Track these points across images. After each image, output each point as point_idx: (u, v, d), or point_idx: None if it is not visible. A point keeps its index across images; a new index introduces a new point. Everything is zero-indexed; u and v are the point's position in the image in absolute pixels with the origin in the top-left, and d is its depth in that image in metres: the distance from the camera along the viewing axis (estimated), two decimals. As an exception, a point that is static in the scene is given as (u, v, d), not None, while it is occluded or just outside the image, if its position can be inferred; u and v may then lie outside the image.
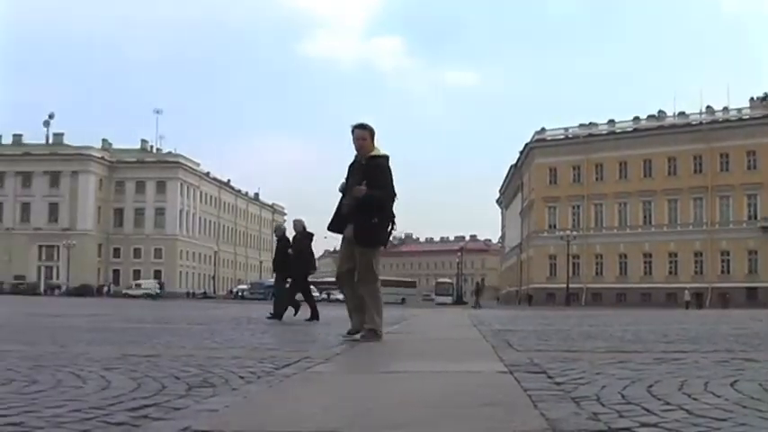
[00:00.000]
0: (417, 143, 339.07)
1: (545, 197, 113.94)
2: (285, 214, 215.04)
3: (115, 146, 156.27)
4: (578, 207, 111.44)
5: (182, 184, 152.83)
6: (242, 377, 6.07)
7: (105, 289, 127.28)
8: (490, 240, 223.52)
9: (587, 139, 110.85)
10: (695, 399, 4.79)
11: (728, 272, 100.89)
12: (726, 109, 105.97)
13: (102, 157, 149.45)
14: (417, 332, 15.94)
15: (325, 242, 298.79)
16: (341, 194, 11.63)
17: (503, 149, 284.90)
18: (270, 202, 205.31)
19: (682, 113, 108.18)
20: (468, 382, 6.22)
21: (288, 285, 21.24)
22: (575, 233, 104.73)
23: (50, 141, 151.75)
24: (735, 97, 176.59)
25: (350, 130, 11.31)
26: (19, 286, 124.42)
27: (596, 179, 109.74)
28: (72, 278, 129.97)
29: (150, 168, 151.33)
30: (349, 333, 11.55)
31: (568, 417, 4.12)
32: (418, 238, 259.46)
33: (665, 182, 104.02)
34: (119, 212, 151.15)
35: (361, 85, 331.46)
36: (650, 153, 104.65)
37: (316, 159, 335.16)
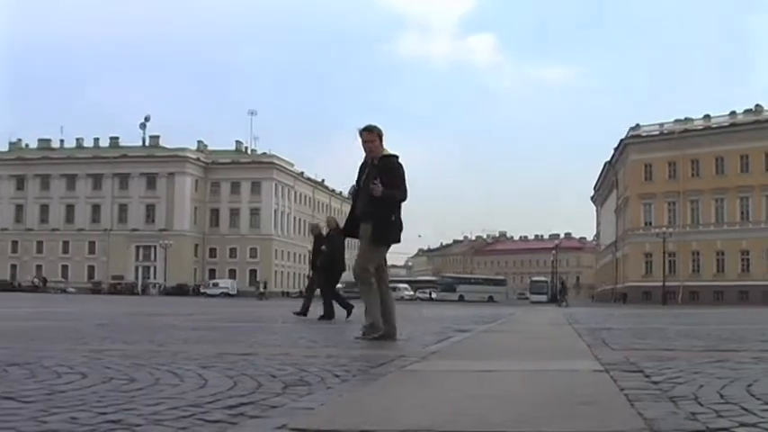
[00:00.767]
0: (511, 140, 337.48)
1: (640, 194, 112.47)
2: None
3: (210, 147, 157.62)
4: (674, 204, 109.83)
5: (276, 185, 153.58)
6: (337, 375, 6.09)
7: (201, 288, 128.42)
8: (585, 238, 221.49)
9: (683, 135, 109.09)
10: (796, 398, 4.71)
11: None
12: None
13: (198, 159, 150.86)
14: (513, 330, 15.87)
15: (420, 241, 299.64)
16: (352, 199, 11.76)
17: (597, 146, 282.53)
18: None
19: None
20: (564, 380, 6.18)
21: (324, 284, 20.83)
22: (670, 230, 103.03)
23: (147, 143, 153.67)
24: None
25: (357, 133, 11.32)
26: (117, 286, 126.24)
27: (692, 175, 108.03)
28: (168, 278, 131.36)
29: (245, 169, 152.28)
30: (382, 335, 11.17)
31: (666, 416, 4.07)
32: (512, 237, 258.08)
33: (762, 177, 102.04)
34: (214, 213, 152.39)
35: (453, 84, 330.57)
36: (747, 148, 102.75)
37: (408, 158, 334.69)
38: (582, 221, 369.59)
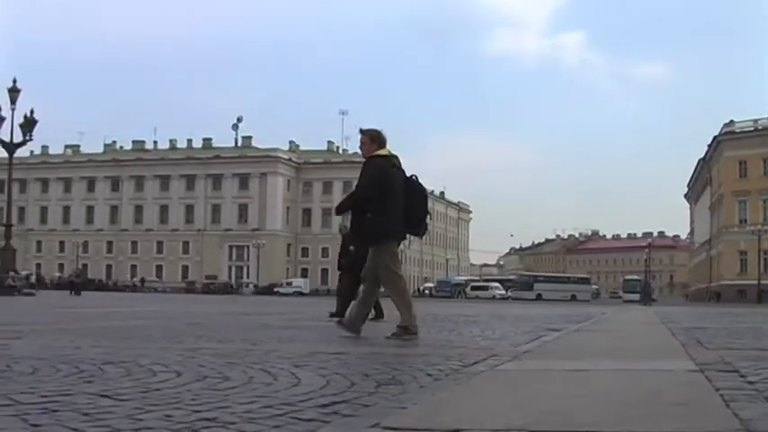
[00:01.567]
0: (603, 138, 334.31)
1: (734, 191, 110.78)
2: (470, 212, 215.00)
3: (302, 147, 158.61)
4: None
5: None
6: (430, 374, 6.09)
7: (275, 288, 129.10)
8: (678, 236, 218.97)
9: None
10: None
11: None
12: None
13: (290, 159, 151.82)
14: (605, 330, 15.73)
15: (511, 240, 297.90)
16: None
17: (690, 143, 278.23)
18: (455, 201, 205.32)
19: None
20: (658, 380, 6.11)
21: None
22: (766, 228, 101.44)
23: (239, 144, 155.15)
24: None
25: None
26: (210, 286, 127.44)
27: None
28: (261, 277, 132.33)
29: (336, 169, 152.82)
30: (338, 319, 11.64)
31: (761, 417, 4.01)
32: (605, 235, 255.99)
33: None
34: (306, 212, 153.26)
35: (544, 82, 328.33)
36: None
37: (501, 157, 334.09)
38: (675, 219, 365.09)
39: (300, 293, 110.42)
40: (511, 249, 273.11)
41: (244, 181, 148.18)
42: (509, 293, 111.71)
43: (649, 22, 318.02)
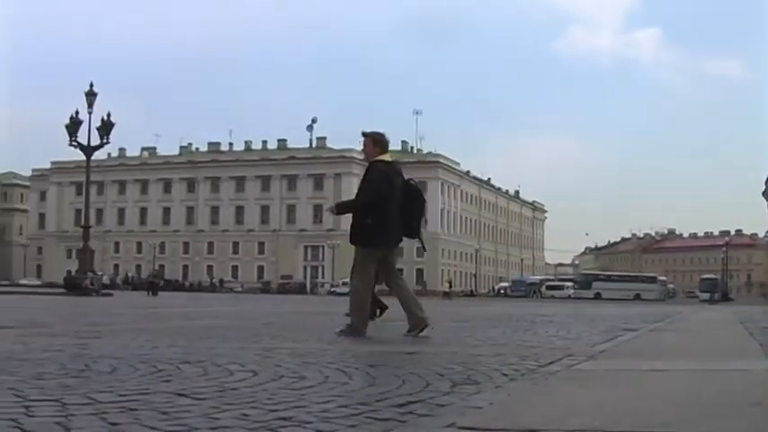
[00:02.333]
0: (678, 136, 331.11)
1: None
2: (545, 211, 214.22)
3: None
4: None
5: (442, 184, 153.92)
6: (505, 374, 6.07)
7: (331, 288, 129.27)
8: (756, 234, 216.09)
9: None
10: None
11: None
12: None
13: (364, 159, 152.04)
14: (682, 329, 15.60)
15: (587, 239, 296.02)
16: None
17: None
18: (530, 200, 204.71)
19: None
20: (735, 381, 6.05)
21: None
22: None
23: (314, 145, 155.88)
24: None
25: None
26: (285, 286, 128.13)
27: None
28: (336, 277, 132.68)
29: (411, 169, 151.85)
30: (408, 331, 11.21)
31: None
32: (681, 234, 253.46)
33: None
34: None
35: (618, 80, 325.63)
36: None
37: (575, 156, 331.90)
38: (753, 217, 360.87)
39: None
40: (586, 249, 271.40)
41: (318, 181, 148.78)
42: (570, 293, 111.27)
43: (723, 17, 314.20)
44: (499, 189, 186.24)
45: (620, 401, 4.76)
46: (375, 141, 11.74)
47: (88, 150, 47.78)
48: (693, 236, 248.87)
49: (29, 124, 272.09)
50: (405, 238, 11.81)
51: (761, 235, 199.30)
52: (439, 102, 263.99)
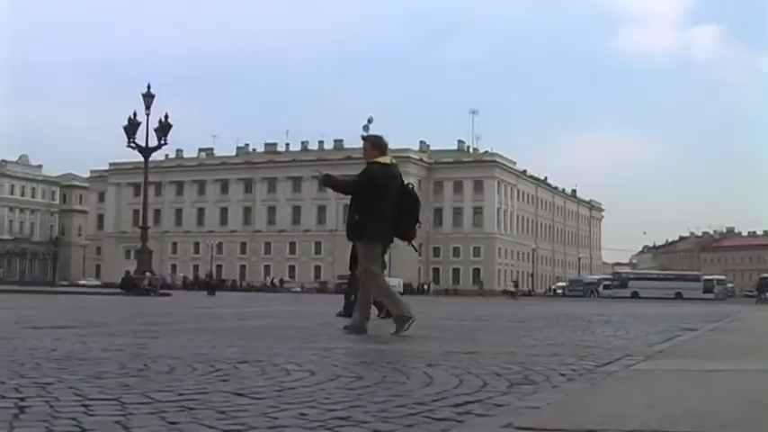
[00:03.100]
0: (736, 133, 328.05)
1: None
2: (603, 210, 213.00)
3: (432, 147, 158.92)
4: None
5: (499, 183, 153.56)
6: (563, 374, 6.05)
7: (426, 287, 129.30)
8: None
9: None
10: None
11: None
12: None
13: (421, 159, 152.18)
14: (742, 329, 15.47)
15: (645, 238, 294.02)
16: None
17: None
18: (587, 199, 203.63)
19: None
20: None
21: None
22: None
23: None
24: None
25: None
26: (342, 286, 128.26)
27: None
28: (392, 276, 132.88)
29: (467, 168, 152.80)
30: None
31: None
32: (740, 232, 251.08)
33: None
34: (437, 212, 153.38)
35: (676, 77, 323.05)
36: None
37: (632, 154, 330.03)
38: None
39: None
40: (644, 248, 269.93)
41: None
42: (607, 292, 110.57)
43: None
44: (556, 188, 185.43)
45: (678, 402, 4.72)
46: (374, 144, 11.95)
47: (146, 152, 48.13)
48: (752, 234, 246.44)
49: (87, 126, 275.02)
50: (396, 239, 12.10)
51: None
52: (496, 101, 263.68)
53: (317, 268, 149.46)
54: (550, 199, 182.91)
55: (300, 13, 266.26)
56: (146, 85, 47.81)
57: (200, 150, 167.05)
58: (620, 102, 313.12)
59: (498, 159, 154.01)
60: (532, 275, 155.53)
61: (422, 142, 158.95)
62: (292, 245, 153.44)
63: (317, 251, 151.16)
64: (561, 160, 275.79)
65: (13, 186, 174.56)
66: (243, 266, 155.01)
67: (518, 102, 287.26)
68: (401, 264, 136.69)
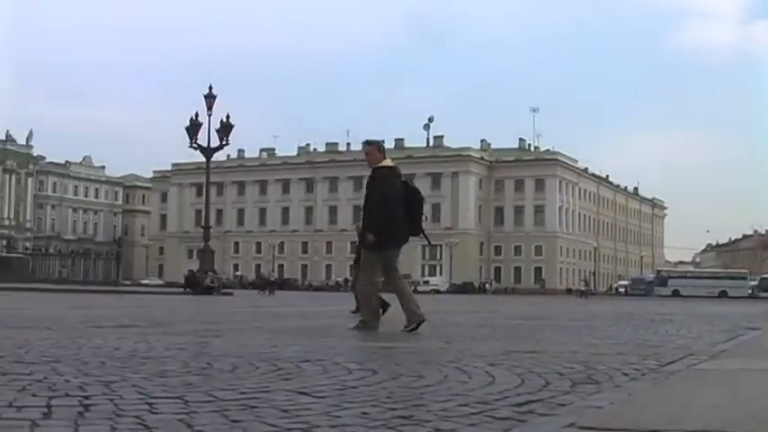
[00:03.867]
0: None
1: None
2: (665, 208, 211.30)
3: (493, 146, 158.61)
4: None
5: (560, 181, 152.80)
6: (626, 374, 6.02)
7: (487, 286, 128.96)
8: None
9: None
10: None
11: None
12: None
13: (482, 158, 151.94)
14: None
15: (708, 236, 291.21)
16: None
17: None
18: (650, 197, 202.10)
19: None
20: None
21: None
22: None
23: (431, 144, 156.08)
24: None
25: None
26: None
27: None
28: (454, 276, 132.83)
29: (528, 167, 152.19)
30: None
31: None
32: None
33: None
34: (499, 211, 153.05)
35: (738, 73, 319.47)
36: None
37: (695, 151, 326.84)
38: None
39: (438, 291, 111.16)
40: (707, 246, 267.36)
41: (436, 180, 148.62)
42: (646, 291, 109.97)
43: None
44: (618, 186, 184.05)
45: (741, 402, 4.68)
46: (379, 149, 12.42)
47: (208, 152, 48.51)
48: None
49: (149, 127, 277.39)
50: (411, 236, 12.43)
51: None
52: (556, 99, 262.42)
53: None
54: (612, 197, 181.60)
55: (360, 13, 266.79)
56: (207, 86, 48.18)
57: (262, 150, 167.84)
58: (682, 97, 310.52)
59: (560, 157, 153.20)
60: (594, 274, 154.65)
61: (482, 141, 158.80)
62: (353, 244, 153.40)
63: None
64: (623, 158, 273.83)
65: (76, 187, 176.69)
66: (304, 266, 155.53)
67: (579, 99, 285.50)
68: (461, 263, 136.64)
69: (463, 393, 4.85)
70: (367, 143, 12.55)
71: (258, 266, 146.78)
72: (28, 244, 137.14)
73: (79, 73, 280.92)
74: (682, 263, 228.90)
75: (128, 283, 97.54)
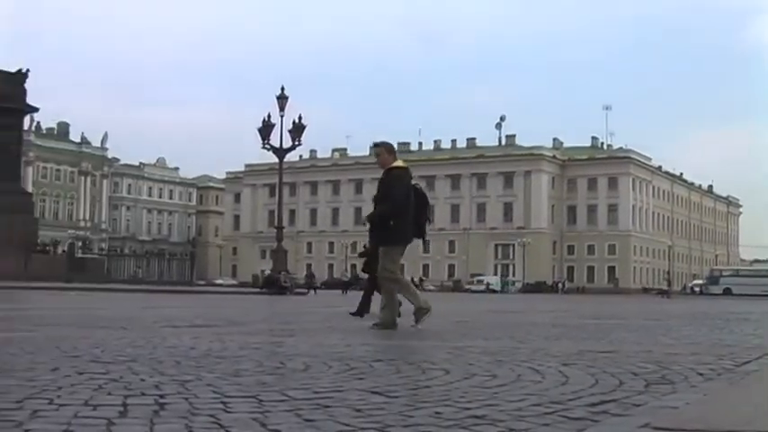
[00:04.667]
0: None
1: None
2: (741, 206, 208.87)
3: (566, 144, 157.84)
4: None
5: (633, 180, 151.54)
6: (701, 374, 5.96)
7: (560, 285, 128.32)
8: None
9: None
10: None
11: None
12: None
13: (554, 156, 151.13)
14: None
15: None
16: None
17: None
18: (724, 195, 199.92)
19: None
20: None
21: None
22: None
23: (503, 143, 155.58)
24: None
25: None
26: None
27: None
28: (527, 275, 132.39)
29: (601, 165, 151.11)
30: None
31: None
32: None
33: None
34: (571, 210, 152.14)
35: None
36: None
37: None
38: None
39: (492, 290, 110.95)
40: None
41: (508, 179, 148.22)
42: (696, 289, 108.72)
43: None
44: (692, 184, 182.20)
45: (821, 402, 4.62)
46: (389, 150, 12.66)
47: (280, 153, 48.67)
48: None
49: (222, 128, 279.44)
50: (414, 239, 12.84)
51: None
52: (629, 97, 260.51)
53: (451, 267, 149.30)
54: (686, 195, 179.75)
55: (432, 13, 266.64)
56: (279, 87, 48.39)
57: (334, 150, 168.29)
58: (756, 94, 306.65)
59: (633, 156, 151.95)
60: (668, 273, 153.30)
61: (555, 139, 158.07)
62: (426, 243, 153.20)
63: (451, 250, 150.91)
64: (697, 156, 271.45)
65: (150, 188, 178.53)
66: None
67: (651, 97, 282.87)
68: (534, 262, 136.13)
69: (537, 393, 4.84)
70: (376, 145, 12.83)
71: (331, 266, 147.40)
72: (103, 245, 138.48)
73: (152, 76, 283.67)
74: (757, 261, 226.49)
75: (202, 283, 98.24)
